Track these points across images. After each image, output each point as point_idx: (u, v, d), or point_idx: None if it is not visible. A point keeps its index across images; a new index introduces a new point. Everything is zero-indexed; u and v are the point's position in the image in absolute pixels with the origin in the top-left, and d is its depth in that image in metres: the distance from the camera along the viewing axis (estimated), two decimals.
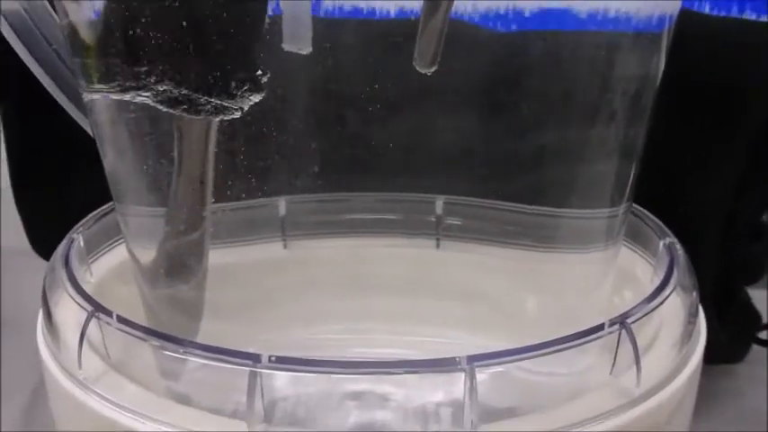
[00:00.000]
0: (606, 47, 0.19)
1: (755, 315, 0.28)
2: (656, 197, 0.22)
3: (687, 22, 0.20)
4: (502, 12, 0.20)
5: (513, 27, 0.19)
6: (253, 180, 0.21)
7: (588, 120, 0.20)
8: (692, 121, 0.23)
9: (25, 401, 0.30)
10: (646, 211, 0.22)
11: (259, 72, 0.18)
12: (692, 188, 0.24)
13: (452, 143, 0.21)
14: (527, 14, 0.19)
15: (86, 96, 0.20)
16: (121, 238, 0.24)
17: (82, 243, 0.22)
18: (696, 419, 0.20)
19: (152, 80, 0.18)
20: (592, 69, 0.19)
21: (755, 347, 0.28)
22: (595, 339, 0.17)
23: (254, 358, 0.16)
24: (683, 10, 0.20)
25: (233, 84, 0.18)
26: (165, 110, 0.19)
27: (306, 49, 0.19)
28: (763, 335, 0.28)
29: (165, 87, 0.18)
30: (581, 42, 0.19)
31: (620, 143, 0.20)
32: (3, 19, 0.21)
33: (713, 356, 0.21)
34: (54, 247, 0.22)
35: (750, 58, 0.23)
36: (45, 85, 0.22)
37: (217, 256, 0.22)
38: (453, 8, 0.18)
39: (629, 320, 0.17)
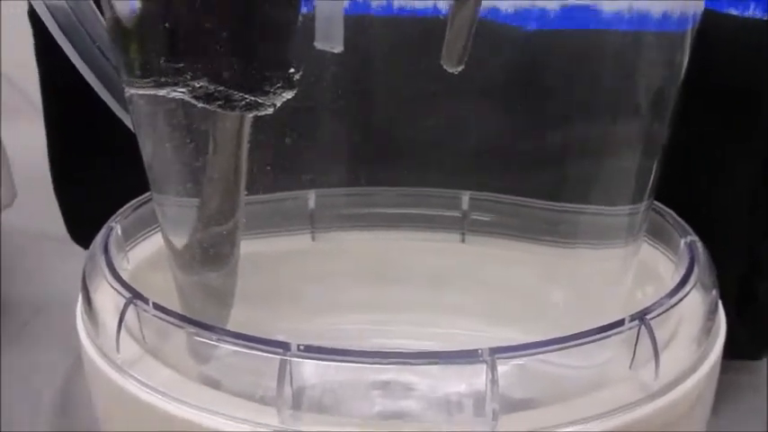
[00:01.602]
0: (630, 46, 0.20)
1: None
2: (679, 197, 0.22)
3: (709, 22, 0.21)
4: (526, 9, 0.20)
5: (535, 26, 0.20)
6: (283, 173, 0.22)
7: (611, 117, 0.20)
8: (712, 122, 0.24)
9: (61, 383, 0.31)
10: (668, 210, 0.23)
11: (292, 70, 0.19)
12: (713, 188, 0.24)
13: (478, 140, 0.22)
14: (551, 15, 0.20)
15: (127, 91, 0.21)
16: (156, 228, 0.25)
17: (120, 232, 0.23)
18: (714, 414, 0.21)
19: (189, 76, 0.19)
20: (615, 68, 0.20)
21: None
22: (616, 334, 0.17)
23: (284, 346, 0.17)
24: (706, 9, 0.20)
25: (267, 81, 0.19)
26: (200, 105, 0.19)
27: (338, 48, 0.19)
28: None
29: (201, 84, 0.19)
30: (605, 41, 0.20)
31: (643, 141, 0.20)
32: (49, 15, 0.22)
33: (734, 352, 0.22)
34: (91, 235, 0.23)
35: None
36: (88, 80, 0.22)
37: (248, 247, 0.22)
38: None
39: (648, 316, 0.18)
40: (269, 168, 0.22)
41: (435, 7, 0.20)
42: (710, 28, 0.21)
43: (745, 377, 0.29)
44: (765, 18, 0.23)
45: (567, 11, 0.19)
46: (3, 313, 0.36)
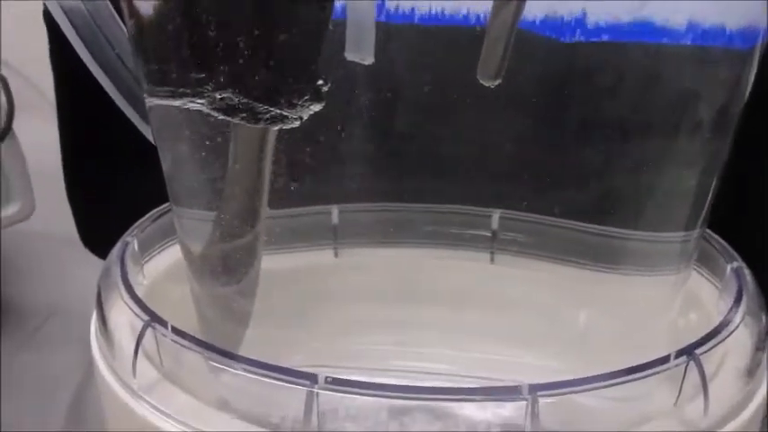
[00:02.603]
0: (682, 61, 0.19)
1: None
2: (724, 221, 0.21)
3: None
4: (566, 20, 0.19)
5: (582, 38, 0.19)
6: (306, 187, 0.21)
7: (663, 137, 0.19)
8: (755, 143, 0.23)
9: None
10: (712, 233, 0.21)
11: (320, 82, 0.18)
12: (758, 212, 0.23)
13: (514, 156, 0.21)
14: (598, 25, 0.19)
15: (149, 102, 0.20)
16: (172, 240, 0.24)
17: (136, 247, 0.22)
18: None
19: (210, 87, 0.18)
20: (667, 84, 0.19)
21: None
22: (663, 371, 0.16)
23: (311, 378, 0.16)
24: None
25: (295, 94, 0.18)
26: (221, 118, 0.19)
27: (369, 59, 0.18)
28: None
29: (225, 95, 0.18)
30: (652, 54, 0.19)
31: (699, 164, 0.19)
32: (65, 17, 0.21)
33: None
34: (103, 242, 0.23)
35: None
36: (106, 88, 0.22)
37: (269, 262, 0.22)
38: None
39: (698, 351, 0.17)
40: (292, 182, 0.21)
41: (466, 16, 0.19)
42: None
43: None
44: None
45: (630, 25, 0.18)
46: (14, 317, 0.35)
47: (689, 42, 0.18)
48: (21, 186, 0.34)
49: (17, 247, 0.39)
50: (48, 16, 0.27)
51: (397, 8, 0.19)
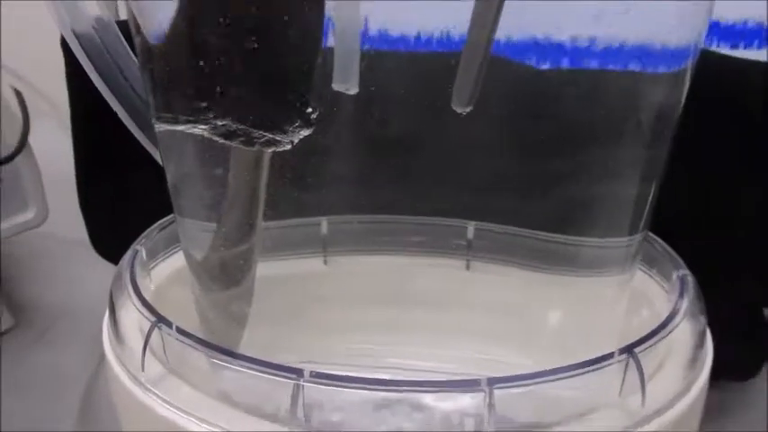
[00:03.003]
0: (623, 83, 0.21)
1: None
2: (692, 240, 0.24)
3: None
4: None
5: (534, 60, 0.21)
6: (298, 202, 0.23)
7: (607, 153, 0.21)
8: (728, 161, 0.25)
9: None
10: (663, 243, 0.24)
11: (309, 110, 0.20)
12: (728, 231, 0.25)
13: (482, 173, 0.23)
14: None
15: (157, 127, 0.22)
16: (176, 248, 0.26)
17: (144, 255, 0.24)
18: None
19: (212, 115, 0.20)
20: (611, 105, 0.21)
21: None
22: (606, 366, 0.19)
23: (298, 372, 0.18)
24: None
25: (287, 121, 0.20)
26: (221, 141, 0.21)
27: (353, 90, 0.20)
28: None
29: (224, 122, 0.20)
30: (597, 77, 0.21)
31: (636, 176, 0.21)
32: (79, 46, 0.23)
33: (730, 373, 0.23)
34: (112, 247, 0.24)
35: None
36: (119, 114, 0.24)
37: (264, 269, 0.23)
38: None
39: (636, 350, 0.19)
40: (285, 197, 0.23)
41: (441, 43, 0.21)
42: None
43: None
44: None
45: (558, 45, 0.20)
46: (25, 317, 0.37)
47: (626, 64, 0.20)
48: (35, 195, 0.36)
49: (30, 250, 0.41)
50: (65, 43, 0.29)
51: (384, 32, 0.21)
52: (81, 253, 0.36)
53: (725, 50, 0.26)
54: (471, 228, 0.25)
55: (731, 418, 0.29)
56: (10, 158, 0.34)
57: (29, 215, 0.36)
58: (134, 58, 0.23)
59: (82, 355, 0.34)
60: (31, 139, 0.35)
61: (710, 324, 0.22)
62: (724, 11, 0.26)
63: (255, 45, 0.19)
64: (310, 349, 0.25)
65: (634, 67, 0.20)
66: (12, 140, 0.34)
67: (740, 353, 0.28)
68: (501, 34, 0.20)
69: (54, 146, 0.35)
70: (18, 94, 0.35)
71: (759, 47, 0.26)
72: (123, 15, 0.23)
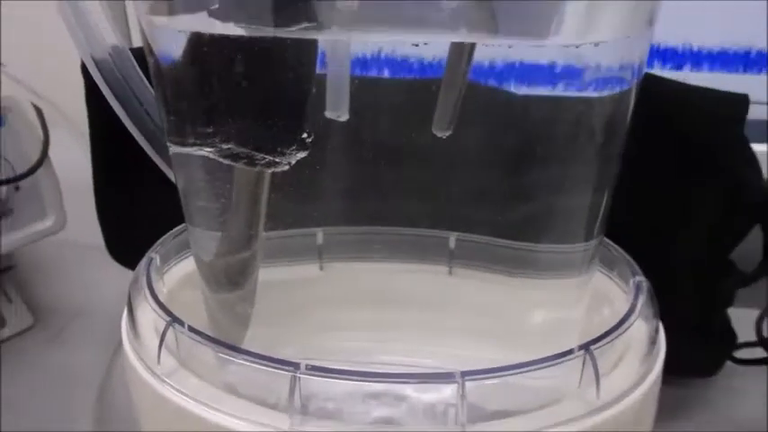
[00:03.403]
0: (575, 105, 0.23)
1: (732, 336, 0.32)
2: (642, 246, 0.26)
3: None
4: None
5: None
6: (296, 214, 0.26)
7: (565, 168, 0.24)
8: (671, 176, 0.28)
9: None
10: (623, 252, 0.26)
11: (305, 135, 0.23)
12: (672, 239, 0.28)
13: (461, 190, 0.26)
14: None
15: (172, 149, 0.24)
16: (186, 254, 0.29)
17: (158, 261, 0.27)
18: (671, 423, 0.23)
19: (217, 140, 0.23)
20: (566, 125, 0.23)
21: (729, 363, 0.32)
22: (566, 361, 0.21)
23: (295, 365, 0.20)
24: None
25: (285, 145, 0.23)
26: (226, 163, 0.23)
27: (344, 117, 0.23)
28: (739, 354, 0.32)
29: (229, 146, 0.23)
30: (552, 100, 0.23)
31: (590, 187, 0.24)
32: (100, 76, 0.26)
33: (692, 370, 0.25)
34: (127, 252, 0.26)
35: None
36: (135, 136, 0.26)
37: (265, 274, 0.26)
38: None
39: (593, 347, 0.21)
40: (285, 210, 0.25)
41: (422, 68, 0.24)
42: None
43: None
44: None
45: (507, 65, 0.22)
46: (42, 318, 0.39)
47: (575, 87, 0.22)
48: (54, 203, 0.38)
49: (49, 255, 0.43)
50: (85, 68, 0.31)
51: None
52: (96, 258, 0.38)
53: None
54: (453, 238, 0.28)
55: (691, 414, 0.32)
56: (31, 171, 0.36)
57: (48, 223, 0.38)
58: (148, 84, 0.26)
59: (96, 353, 0.36)
60: (50, 151, 0.37)
61: (671, 323, 0.24)
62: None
63: (255, 81, 0.22)
64: (307, 346, 0.28)
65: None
66: (33, 154, 0.37)
67: (702, 350, 0.31)
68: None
69: (71, 157, 0.37)
70: (38, 110, 0.37)
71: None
72: (136, 42, 0.26)
